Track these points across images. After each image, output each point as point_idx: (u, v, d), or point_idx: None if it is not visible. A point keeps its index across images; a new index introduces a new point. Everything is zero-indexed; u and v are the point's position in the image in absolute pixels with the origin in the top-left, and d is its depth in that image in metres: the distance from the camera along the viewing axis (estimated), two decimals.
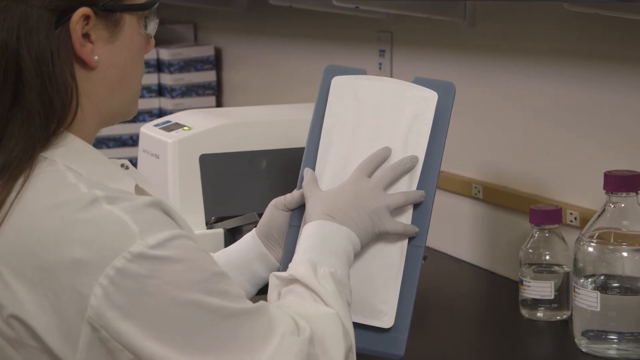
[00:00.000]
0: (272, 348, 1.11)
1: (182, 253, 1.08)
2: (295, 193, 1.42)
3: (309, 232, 1.33)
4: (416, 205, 1.40)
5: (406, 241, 1.39)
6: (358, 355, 1.25)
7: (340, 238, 1.32)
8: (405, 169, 1.40)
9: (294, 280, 1.27)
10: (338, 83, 1.45)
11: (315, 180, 1.41)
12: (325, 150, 1.43)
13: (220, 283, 1.11)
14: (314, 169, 1.43)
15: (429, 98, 1.42)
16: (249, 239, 1.44)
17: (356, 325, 1.33)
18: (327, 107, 1.45)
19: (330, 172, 1.42)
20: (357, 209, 1.35)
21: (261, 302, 1.16)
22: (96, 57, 1.16)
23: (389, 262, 1.39)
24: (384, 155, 1.41)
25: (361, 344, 1.34)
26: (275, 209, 1.43)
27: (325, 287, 1.25)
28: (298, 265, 1.28)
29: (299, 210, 1.42)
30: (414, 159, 1.40)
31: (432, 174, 1.41)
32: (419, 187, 1.40)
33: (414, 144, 1.41)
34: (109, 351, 1.06)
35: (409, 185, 1.40)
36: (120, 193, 1.10)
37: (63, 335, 1.06)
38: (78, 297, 1.05)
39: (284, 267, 1.39)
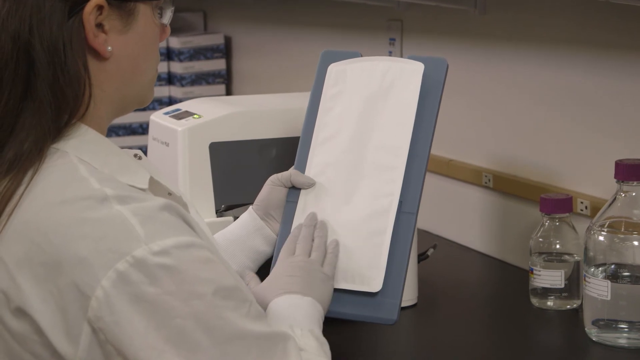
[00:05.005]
0: None
1: (186, 263, 1.06)
2: (293, 171, 1.47)
3: (274, 308, 1.27)
4: (408, 171, 1.44)
5: (395, 209, 1.43)
6: (355, 323, 1.24)
7: (307, 304, 1.29)
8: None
9: None
10: (332, 70, 1.53)
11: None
12: (319, 134, 1.49)
13: (229, 299, 1.07)
14: (308, 153, 1.49)
15: (415, 70, 1.47)
16: (246, 215, 1.47)
17: (346, 292, 1.39)
18: (322, 94, 1.51)
19: (324, 152, 1.48)
20: (312, 283, 1.33)
21: (282, 329, 1.12)
22: (109, 48, 1.15)
23: (377, 230, 1.42)
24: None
25: (353, 311, 1.38)
26: (273, 185, 1.47)
27: (309, 344, 1.21)
28: None
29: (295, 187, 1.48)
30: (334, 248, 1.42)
31: (423, 144, 1.45)
32: (409, 157, 1.44)
33: (402, 115, 1.46)
34: (105, 354, 1.05)
35: (395, 162, 1.44)
36: (132, 192, 1.09)
37: (65, 332, 1.05)
38: (81, 297, 1.04)
39: (280, 241, 1.44)
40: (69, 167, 1.11)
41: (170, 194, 1.22)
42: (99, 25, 1.14)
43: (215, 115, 1.75)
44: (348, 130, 1.48)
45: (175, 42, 2.99)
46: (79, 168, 1.11)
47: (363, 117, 1.48)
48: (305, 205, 1.46)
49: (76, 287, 1.04)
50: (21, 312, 1.06)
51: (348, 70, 1.51)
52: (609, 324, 1.56)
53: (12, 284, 1.07)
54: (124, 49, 1.16)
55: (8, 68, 1.12)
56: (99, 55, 1.15)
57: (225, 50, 3.06)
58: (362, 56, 1.53)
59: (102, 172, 1.12)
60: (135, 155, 1.22)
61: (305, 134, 1.51)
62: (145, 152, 1.86)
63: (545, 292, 1.73)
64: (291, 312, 1.26)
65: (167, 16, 1.22)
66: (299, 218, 1.45)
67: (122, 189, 1.09)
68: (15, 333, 1.07)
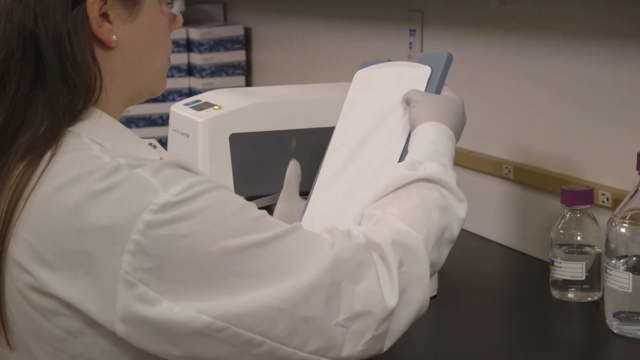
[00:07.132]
0: (324, 255, 1.12)
1: (207, 192, 1.08)
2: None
3: (433, 134, 1.36)
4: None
5: None
6: None
7: (452, 143, 1.37)
8: None
9: (435, 180, 1.30)
10: (358, 76, 1.53)
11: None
12: (335, 141, 1.50)
13: (252, 212, 1.11)
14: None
15: (422, 75, 1.46)
16: None
17: None
18: (345, 99, 1.52)
19: (334, 161, 1.48)
20: (457, 119, 1.40)
21: (297, 223, 1.16)
22: (114, 37, 1.15)
23: None
24: None
25: None
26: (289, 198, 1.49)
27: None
28: (431, 164, 1.31)
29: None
30: None
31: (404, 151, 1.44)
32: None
33: (400, 125, 1.44)
34: (147, 303, 1.05)
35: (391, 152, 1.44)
36: (142, 161, 1.10)
37: (100, 297, 1.06)
38: (111, 257, 1.05)
39: None
40: (83, 146, 1.12)
41: None
42: (104, 15, 1.15)
43: (235, 107, 1.75)
44: (356, 139, 1.47)
45: (195, 34, 2.99)
46: (92, 148, 1.12)
47: (371, 125, 1.47)
48: (310, 217, 1.46)
49: (104, 250, 1.05)
50: (48, 291, 1.07)
51: (371, 76, 1.52)
52: (631, 316, 1.55)
53: (39, 263, 1.08)
54: (130, 38, 1.17)
55: (14, 58, 1.12)
56: (104, 45, 1.15)
57: (245, 42, 3.07)
58: (389, 61, 1.53)
59: (114, 151, 1.13)
60: (150, 144, 1.23)
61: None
62: (165, 144, 1.86)
63: (566, 284, 1.72)
64: (442, 148, 1.35)
65: (177, 6, 1.22)
66: None
67: (134, 159, 1.11)
68: (44, 310, 1.08)
